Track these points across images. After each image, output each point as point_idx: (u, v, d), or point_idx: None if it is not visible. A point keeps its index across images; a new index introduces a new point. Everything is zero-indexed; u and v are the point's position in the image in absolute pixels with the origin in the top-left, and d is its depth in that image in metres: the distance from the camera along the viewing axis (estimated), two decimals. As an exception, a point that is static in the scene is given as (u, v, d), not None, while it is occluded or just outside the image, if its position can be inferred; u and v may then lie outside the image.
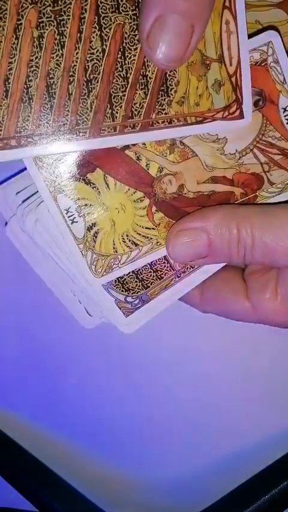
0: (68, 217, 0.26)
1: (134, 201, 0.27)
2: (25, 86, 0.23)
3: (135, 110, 0.24)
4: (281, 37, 0.26)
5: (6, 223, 0.30)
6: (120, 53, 0.23)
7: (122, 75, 0.23)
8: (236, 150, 0.27)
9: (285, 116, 0.27)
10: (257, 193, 0.28)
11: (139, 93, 0.24)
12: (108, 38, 0.23)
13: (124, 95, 0.24)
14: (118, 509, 0.40)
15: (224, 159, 0.27)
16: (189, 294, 0.30)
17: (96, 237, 0.27)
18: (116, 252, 0.27)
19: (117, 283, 0.28)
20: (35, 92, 0.23)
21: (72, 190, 0.26)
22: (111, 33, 0.23)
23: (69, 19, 0.22)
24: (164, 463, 0.41)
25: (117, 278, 0.28)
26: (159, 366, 0.40)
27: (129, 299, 0.29)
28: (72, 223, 0.27)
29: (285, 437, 0.40)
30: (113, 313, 0.29)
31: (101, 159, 0.26)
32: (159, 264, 0.28)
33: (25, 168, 0.26)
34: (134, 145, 0.26)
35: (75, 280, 0.29)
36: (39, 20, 0.22)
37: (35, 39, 0.22)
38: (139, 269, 0.28)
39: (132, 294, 0.29)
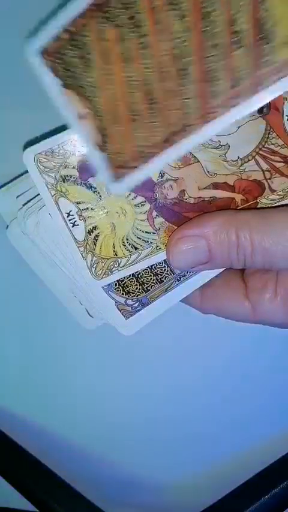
0: (69, 220, 0.27)
1: (135, 205, 0.27)
2: (129, 104, 0.22)
3: (239, 75, 0.21)
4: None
5: (7, 227, 0.30)
6: (202, 20, 0.21)
7: (213, 44, 0.21)
8: (238, 157, 0.27)
9: None
10: (257, 200, 0.28)
11: (237, 54, 0.21)
12: (186, 11, 0.20)
13: (223, 64, 0.21)
14: (118, 509, 0.40)
15: (225, 166, 0.27)
16: (189, 295, 0.30)
17: (96, 240, 0.27)
18: (116, 255, 0.28)
19: (117, 286, 0.28)
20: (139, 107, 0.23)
21: (73, 194, 0.27)
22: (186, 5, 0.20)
23: (142, 17, 0.21)
24: (164, 463, 0.41)
25: (118, 281, 0.28)
26: (160, 366, 0.40)
27: (129, 302, 0.29)
28: (73, 226, 0.27)
29: (285, 437, 0.40)
30: (113, 316, 0.29)
31: None
32: (159, 267, 0.29)
33: (25, 172, 0.27)
34: None
35: (75, 281, 0.29)
36: (119, 34, 0.21)
37: (121, 54, 0.22)
38: (139, 272, 0.28)
39: (133, 297, 0.29)
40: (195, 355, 0.40)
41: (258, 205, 0.28)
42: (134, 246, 0.28)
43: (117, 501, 0.41)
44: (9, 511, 0.41)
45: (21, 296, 0.39)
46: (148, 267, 0.29)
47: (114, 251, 0.28)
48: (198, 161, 0.27)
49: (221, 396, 0.40)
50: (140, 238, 0.28)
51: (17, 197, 0.30)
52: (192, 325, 0.38)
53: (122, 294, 0.29)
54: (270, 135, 0.27)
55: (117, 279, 0.28)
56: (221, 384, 0.40)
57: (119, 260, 0.28)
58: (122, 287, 0.28)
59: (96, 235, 0.27)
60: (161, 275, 0.29)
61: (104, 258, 0.28)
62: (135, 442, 0.41)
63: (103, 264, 0.28)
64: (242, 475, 0.39)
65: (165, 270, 0.29)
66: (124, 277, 0.29)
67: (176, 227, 0.28)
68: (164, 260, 0.28)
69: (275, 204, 0.28)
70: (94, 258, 0.28)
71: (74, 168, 0.26)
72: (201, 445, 0.41)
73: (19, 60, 0.34)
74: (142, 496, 0.41)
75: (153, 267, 0.28)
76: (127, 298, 0.29)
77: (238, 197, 0.28)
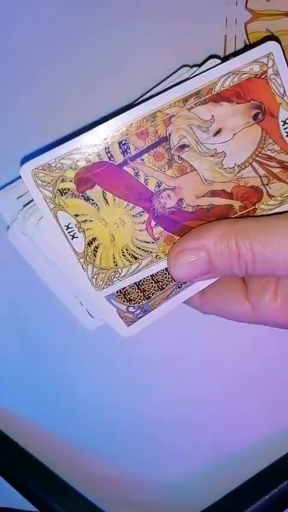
0: (69, 232, 0.27)
1: (133, 215, 0.27)
2: None
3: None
4: (282, 49, 0.25)
5: (7, 228, 0.30)
6: None
7: None
8: (235, 164, 0.27)
9: (285, 129, 0.26)
10: (256, 206, 0.28)
11: None
12: None
13: None
14: (118, 509, 0.40)
15: (222, 173, 0.27)
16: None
17: (96, 251, 0.27)
18: (116, 265, 0.28)
19: (118, 293, 0.28)
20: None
21: (72, 207, 0.27)
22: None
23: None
24: (164, 463, 0.41)
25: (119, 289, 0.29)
26: (160, 367, 0.40)
27: (131, 309, 0.29)
28: (72, 238, 0.27)
29: (285, 437, 0.40)
30: (115, 323, 0.29)
31: (100, 176, 0.26)
32: (160, 275, 0.28)
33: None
34: (132, 160, 0.26)
35: (76, 282, 0.29)
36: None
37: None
38: (141, 280, 0.28)
39: (134, 304, 0.29)
40: (195, 355, 0.40)
41: (257, 211, 0.28)
42: (133, 256, 0.28)
43: (117, 501, 0.41)
44: (9, 511, 0.41)
45: (22, 296, 0.39)
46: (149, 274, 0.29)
47: (114, 262, 0.28)
48: (195, 169, 0.27)
49: (221, 396, 0.40)
50: (140, 248, 0.28)
51: (18, 198, 0.30)
52: (192, 325, 0.38)
53: (124, 301, 0.29)
54: (266, 141, 0.27)
55: (119, 288, 0.28)
56: (221, 384, 0.40)
57: (120, 270, 0.28)
58: (123, 294, 0.28)
59: (96, 247, 0.27)
60: (162, 282, 0.29)
61: (104, 269, 0.28)
62: (135, 442, 0.41)
63: (104, 274, 0.28)
64: (242, 475, 0.39)
65: (166, 277, 0.28)
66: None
67: (175, 236, 0.28)
68: (165, 268, 0.28)
69: (274, 210, 0.28)
70: (95, 269, 0.28)
71: (71, 181, 0.26)
72: (202, 445, 0.41)
73: (19, 64, 0.35)
74: (142, 496, 0.41)
75: (154, 274, 0.28)
76: (129, 306, 0.29)
77: (236, 204, 0.27)
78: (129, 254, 0.28)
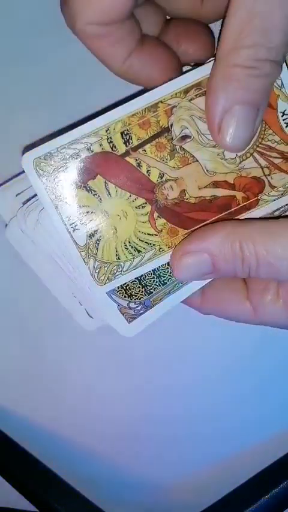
0: (70, 224, 0.26)
1: (136, 207, 0.27)
2: None
3: None
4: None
5: (6, 225, 0.30)
6: None
7: None
8: (236, 155, 0.27)
9: (284, 120, 0.27)
10: (258, 197, 0.27)
11: None
12: None
13: None
14: (118, 509, 0.40)
15: (224, 164, 0.27)
16: (189, 296, 0.30)
17: (98, 244, 0.27)
18: (119, 259, 0.27)
19: (120, 289, 0.28)
20: None
21: (73, 197, 0.26)
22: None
23: None
24: (164, 463, 0.41)
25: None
26: (160, 367, 0.40)
27: (132, 305, 0.28)
28: (74, 230, 0.26)
29: (285, 437, 0.40)
30: (116, 319, 0.28)
31: (102, 166, 0.26)
32: (162, 269, 0.28)
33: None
34: (134, 151, 0.26)
35: (76, 281, 0.29)
36: None
37: None
38: (142, 275, 0.28)
39: (135, 299, 0.28)
40: (195, 356, 0.40)
41: (260, 202, 0.28)
42: (136, 249, 0.27)
43: (117, 501, 0.41)
44: (9, 511, 0.41)
45: (20, 296, 0.38)
46: (150, 269, 0.28)
47: (116, 255, 0.27)
48: (197, 160, 0.27)
49: (221, 396, 0.40)
50: (143, 241, 0.27)
51: (17, 195, 0.29)
52: (192, 325, 0.38)
53: (125, 296, 0.28)
54: (266, 132, 0.27)
55: (121, 283, 0.28)
56: (220, 383, 0.40)
57: (122, 264, 0.27)
58: (124, 290, 0.28)
59: (98, 239, 0.27)
60: (164, 277, 0.28)
61: (106, 262, 0.27)
62: (135, 442, 0.41)
63: (106, 268, 0.27)
64: (242, 475, 0.39)
65: (168, 271, 0.28)
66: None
67: (178, 228, 0.27)
68: (167, 262, 0.28)
69: (276, 200, 0.28)
70: (97, 263, 0.27)
71: (73, 171, 0.26)
72: (202, 445, 0.41)
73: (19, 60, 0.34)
74: (142, 496, 0.41)
75: (155, 269, 0.28)
76: (130, 301, 0.28)
77: (239, 195, 0.27)
78: (132, 247, 0.27)
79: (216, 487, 0.39)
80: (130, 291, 0.28)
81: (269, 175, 0.27)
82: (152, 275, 0.28)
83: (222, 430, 0.41)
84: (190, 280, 0.28)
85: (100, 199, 0.26)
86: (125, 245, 0.27)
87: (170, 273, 0.28)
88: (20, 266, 0.30)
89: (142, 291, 0.28)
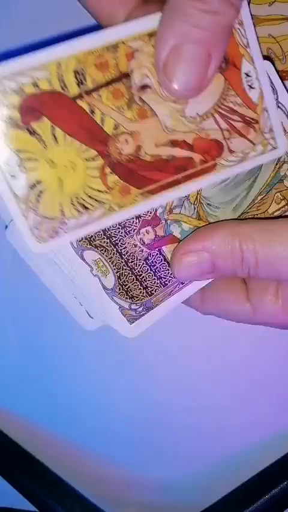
0: (7, 171, 0.23)
1: (86, 159, 0.24)
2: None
3: None
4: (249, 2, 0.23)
5: (6, 227, 0.30)
6: None
7: None
8: (197, 113, 0.25)
9: (247, 82, 0.25)
10: (216, 162, 0.26)
11: None
12: None
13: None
14: (118, 509, 0.40)
15: (184, 122, 0.25)
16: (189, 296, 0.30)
17: (40, 196, 0.24)
18: (64, 215, 0.24)
19: (121, 290, 0.28)
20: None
21: (12, 139, 0.23)
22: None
23: None
24: (164, 463, 0.41)
25: (121, 285, 0.28)
26: (160, 367, 0.40)
27: (133, 306, 0.28)
28: (12, 178, 0.23)
29: (285, 437, 0.40)
30: (117, 320, 0.28)
31: (49, 108, 0.23)
32: (162, 270, 0.28)
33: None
34: (88, 95, 0.23)
35: (75, 282, 0.29)
36: None
37: None
38: (143, 276, 0.28)
39: (137, 301, 0.28)
40: (195, 355, 0.40)
41: (217, 167, 0.26)
42: (84, 205, 0.24)
43: (117, 501, 0.41)
44: (9, 511, 0.41)
45: (21, 296, 0.38)
46: (151, 271, 0.28)
47: (61, 210, 0.24)
48: (156, 115, 0.25)
49: (221, 396, 0.40)
50: (92, 198, 0.24)
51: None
52: (192, 325, 0.38)
53: (126, 298, 0.28)
54: (229, 93, 0.25)
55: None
56: (221, 384, 0.40)
57: (66, 221, 0.24)
58: (125, 291, 0.28)
59: (40, 192, 0.23)
60: (165, 278, 0.28)
61: (49, 218, 0.24)
62: (135, 442, 0.41)
63: (48, 225, 0.24)
64: (242, 475, 0.39)
65: (169, 273, 0.28)
66: (127, 281, 0.28)
67: (131, 186, 0.25)
68: (168, 263, 0.28)
69: (234, 166, 0.26)
70: (37, 218, 0.24)
71: (15, 108, 0.22)
72: (202, 444, 0.41)
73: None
74: (142, 496, 0.41)
75: (156, 270, 0.28)
76: (131, 303, 0.28)
77: (197, 157, 0.26)
78: (79, 203, 0.24)
79: (216, 487, 0.39)
80: (131, 292, 0.28)
81: (228, 139, 0.26)
82: (153, 276, 0.28)
83: (222, 430, 0.41)
84: (191, 280, 0.28)
85: (45, 145, 0.23)
86: (71, 200, 0.24)
87: (171, 274, 0.28)
88: (20, 266, 0.30)
89: (143, 293, 0.28)
